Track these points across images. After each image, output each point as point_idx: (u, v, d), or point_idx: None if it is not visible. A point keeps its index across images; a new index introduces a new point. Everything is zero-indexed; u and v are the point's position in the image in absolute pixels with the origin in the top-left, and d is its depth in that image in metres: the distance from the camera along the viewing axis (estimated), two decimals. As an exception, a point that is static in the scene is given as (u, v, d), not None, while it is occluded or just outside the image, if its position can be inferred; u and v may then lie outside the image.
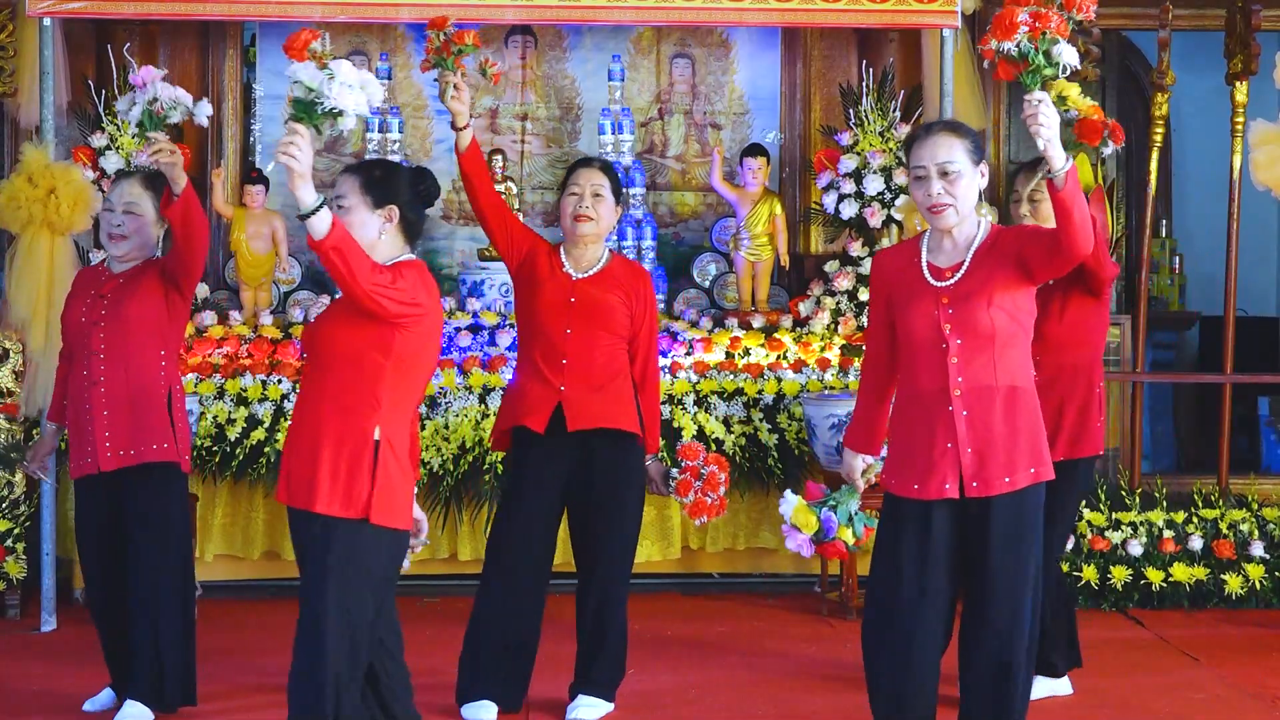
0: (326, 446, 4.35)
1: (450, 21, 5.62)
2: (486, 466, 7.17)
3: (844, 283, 7.93)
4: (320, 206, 4.19)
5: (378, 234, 4.45)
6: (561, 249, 5.64)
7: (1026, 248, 4.41)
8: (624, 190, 5.77)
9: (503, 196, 7.91)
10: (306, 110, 4.30)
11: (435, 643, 6.63)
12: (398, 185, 4.53)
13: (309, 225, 4.19)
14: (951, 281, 4.42)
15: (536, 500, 5.56)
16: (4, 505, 7.06)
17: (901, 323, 4.47)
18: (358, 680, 4.44)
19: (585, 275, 5.56)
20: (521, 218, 8.31)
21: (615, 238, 8.22)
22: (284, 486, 4.45)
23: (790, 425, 7.44)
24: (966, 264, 4.44)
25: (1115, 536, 7.30)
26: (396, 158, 8.37)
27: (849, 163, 8.03)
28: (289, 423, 4.49)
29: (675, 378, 7.51)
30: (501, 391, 7.35)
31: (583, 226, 5.55)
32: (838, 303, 7.90)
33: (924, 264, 4.48)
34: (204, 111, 5.46)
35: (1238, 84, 7.73)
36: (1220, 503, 7.53)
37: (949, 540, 4.45)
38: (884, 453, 4.62)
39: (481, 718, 5.54)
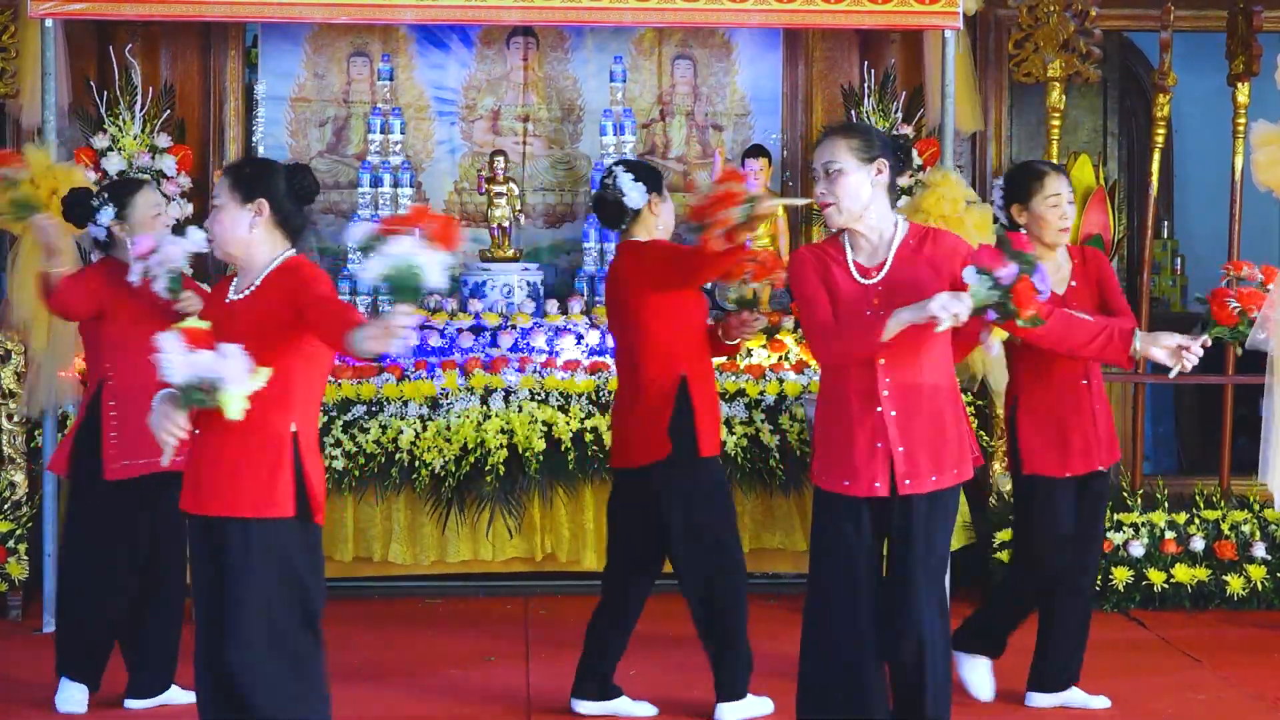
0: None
1: None
2: (488, 468, 7.17)
3: (845, 284, 7.93)
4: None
5: (249, 229, 4.39)
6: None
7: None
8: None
9: (504, 196, 8.00)
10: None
11: (435, 643, 6.64)
12: (267, 180, 4.45)
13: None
14: (878, 279, 4.49)
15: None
16: (6, 506, 7.07)
17: (830, 307, 4.51)
18: None
19: None
20: (523, 219, 8.35)
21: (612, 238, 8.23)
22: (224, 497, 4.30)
23: (792, 426, 7.44)
24: (890, 262, 4.51)
25: (1117, 538, 7.30)
26: (398, 158, 8.37)
27: (851, 164, 8.02)
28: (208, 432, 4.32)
29: (677, 379, 7.51)
30: (503, 393, 7.36)
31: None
32: (839, 304, 7.89)
33: (850, 262, 4.54)
34: (199, 238, 5.44)
35: (1239, 85, 7.73)
36: (1222, 504, 7.53)
37: (877, 534, 4.56)
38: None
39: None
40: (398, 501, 7.36)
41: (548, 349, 7.65)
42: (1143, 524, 7.36)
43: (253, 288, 4.39)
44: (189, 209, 7.89)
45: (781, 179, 8.54)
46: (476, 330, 7.75)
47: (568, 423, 7.23)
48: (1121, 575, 7.22)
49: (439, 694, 5.84)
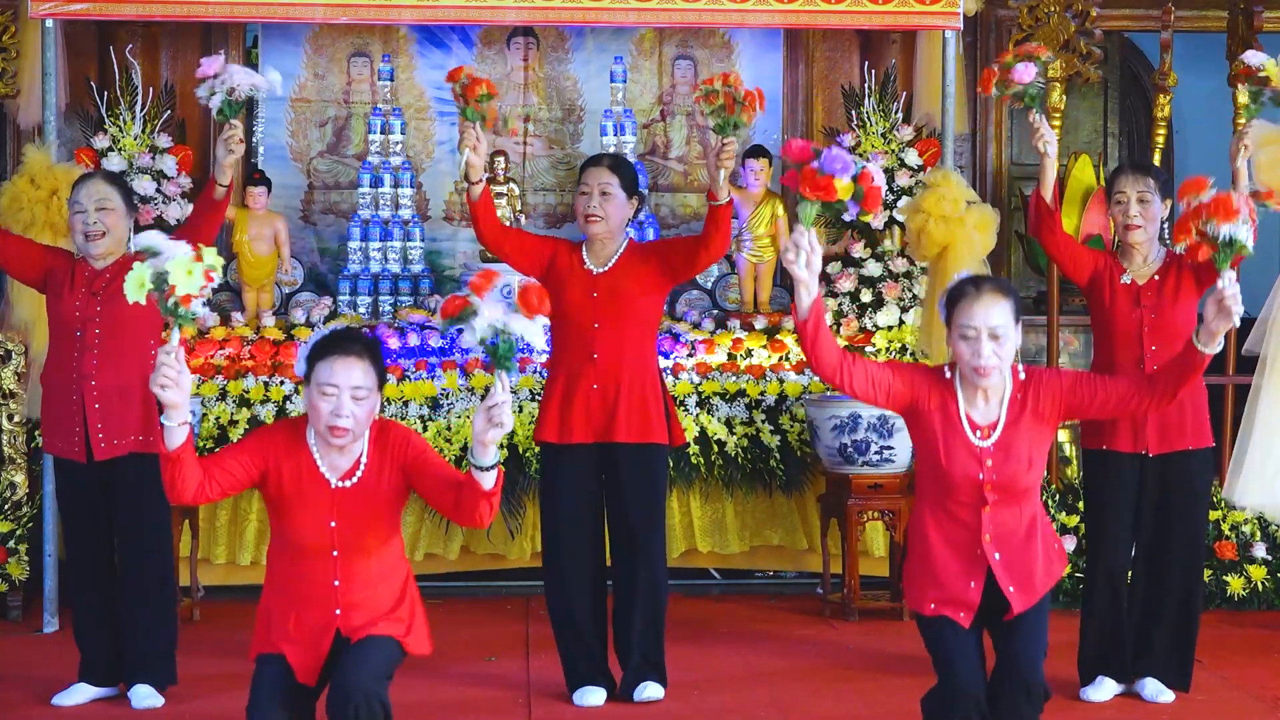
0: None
1: (465, 70, 5.63)
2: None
3: (846, 284, 7.93)
4: (495, 465, 4.11)
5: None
6: (584, 246, 5.80)
7: (1083, 400, 4.46)
8: (639, 186, 5.89)
9: (504, 196, 8.03)
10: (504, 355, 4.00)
11: (435, 643, 6.62)
12: None
13: (481, 477, 4.08)
14: (991, 441, 4.38)
15: (577, 502, 5.77)
16: (6, 507, 7.07)
17: (936, 458, 4.39)
18: None
19: (605, 269, 5.70)
20: (524, 219, 8.34)
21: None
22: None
23: (792, 426, 7.44)
24: (1003, 421, 4.40)
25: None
26: (399, 159, 8.38)
27: (851, 164, 8.03)
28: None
29: (677, 379, 7.51)
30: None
31: (592, 226, 5.70)
32: (840, 304, 7.90)
33: (962, 415, 4.41)
34: (274, 79, 5.67)
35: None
36: (1222, 504, 7.51)
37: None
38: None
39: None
40: (398, 502, 7.35)
41: (548, 349, 7.64)
42: (1143, 524, 7.34)
43: (363, 467, 4.34)
44: (189, 209, 7.90)
45: (782, 179, 8.53)
46: (477, 330, 7.74)
47: (568, 423, 7.22)
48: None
49: (439, 694, 5.83)
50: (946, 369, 4.46)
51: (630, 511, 5.71)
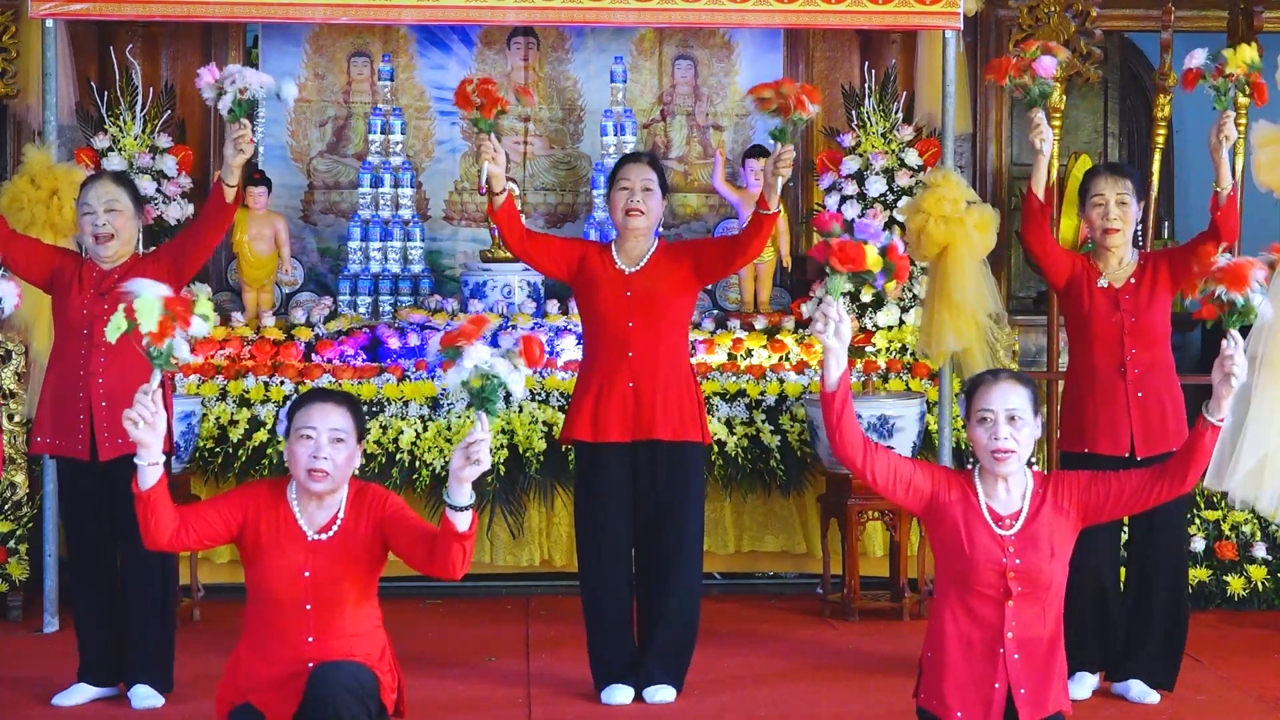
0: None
1: (484, 83, 5.62)
2: (489, 468, 7.16)
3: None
4: (469, 506, 4.10)
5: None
6: (613, 245, 5.81)
7: (1100, 495, 4.43)
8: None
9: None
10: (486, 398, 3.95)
11: (435, 643, 6.64)
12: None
13: (456, 518, 4.08)
14: (1013, 531, 4.37)
15: (615, 502, 5.75)
16: (6, 507, 7.07)
17: (959, 547, 4.36)
18: None
19: (637, 269, 5.72)
20: (524, 219, 8.33)
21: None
22: None
23: (793, 427, 7.44)
24: (1025, 512, 4.40)
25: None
26: (399, 158, 8.38)
27: (851, 164, 8.04)
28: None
29: (677, 379, 7.51)
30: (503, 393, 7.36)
31: (634, 220, 5.72)
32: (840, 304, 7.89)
33: (983, 505, 4.40)
34: (290, 93, 5.64)
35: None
36: (1222, 504, 7.52)
37: None
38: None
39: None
40: (398, 502, 7.35)
41: (548, 350, 7.65)
42: (1143, 524, 7.34)
43: (339, 521, 4.38)
44: (189, 209, 7.90)
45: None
46: (477, 330, 7.74)
47: (568, 423, 7.22)
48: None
49: (439, 694, 5.83)
50: (967, 465, 4.46)
51: (665, 511, 5.71)
